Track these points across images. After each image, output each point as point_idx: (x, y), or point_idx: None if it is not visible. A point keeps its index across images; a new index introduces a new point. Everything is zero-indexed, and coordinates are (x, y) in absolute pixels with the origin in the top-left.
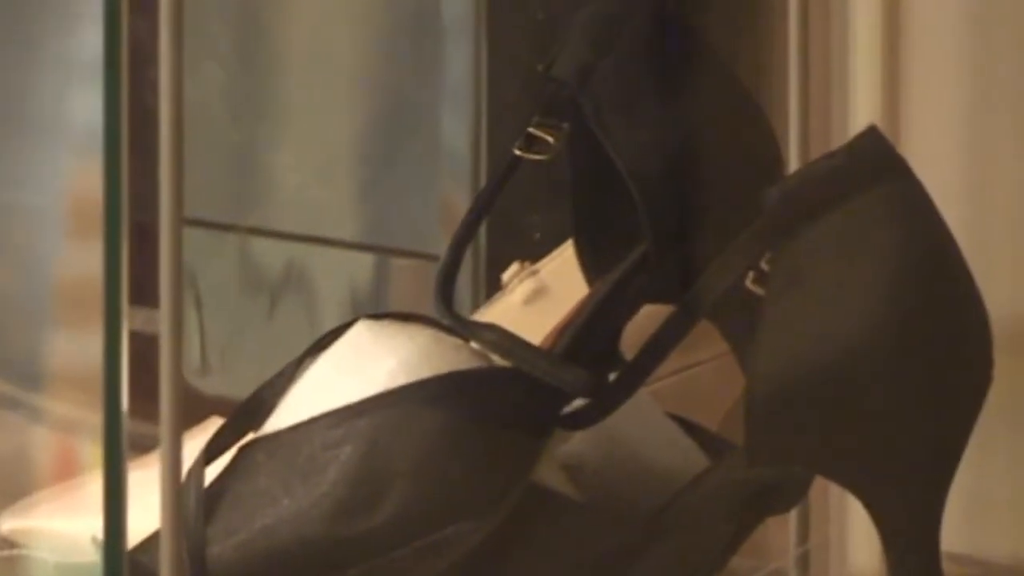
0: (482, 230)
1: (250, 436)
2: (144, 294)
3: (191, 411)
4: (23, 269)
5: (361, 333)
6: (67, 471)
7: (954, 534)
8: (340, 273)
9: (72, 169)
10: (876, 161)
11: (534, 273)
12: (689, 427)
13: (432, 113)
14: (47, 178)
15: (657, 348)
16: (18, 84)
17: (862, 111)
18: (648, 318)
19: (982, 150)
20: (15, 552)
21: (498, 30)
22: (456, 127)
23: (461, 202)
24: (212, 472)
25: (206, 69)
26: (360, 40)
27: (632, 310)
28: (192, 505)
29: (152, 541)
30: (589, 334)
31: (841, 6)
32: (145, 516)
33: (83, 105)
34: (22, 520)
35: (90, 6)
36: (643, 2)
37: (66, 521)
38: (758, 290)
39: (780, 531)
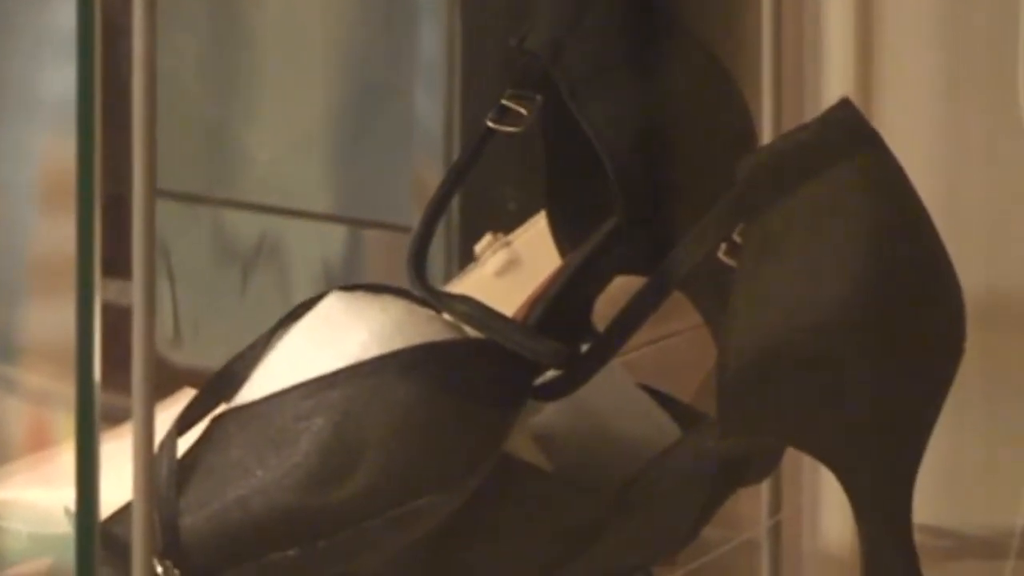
0: (455, 202)
1: (222, 407)
2: (117, 266)
3: (163, 382)
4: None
5: (333, 305)
6: (40, 442)
7: (927, 505)
8: (313, 245)
9: (45, 142)
10: (848, 133)
11: (507, 245)
12: (662, 398)
13: (405, 86)
14: (20, 151)
15: (629, 320)
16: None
17: (835, 83)
18: (620, 290)
19: (954, 122)
20: None
21: (471, 3)
22: (429, 100)
23: (434, 174)
24: (185, 443)
25: (180, 43)
26: (334, 14)
27: (604, 282)
28: (164, 476)
29: (125, 512)
30: (561, 306)
31: None
32: (118, 487)
33: (56, 78)
34: None
35: None
36: None
37: (39, 492)
38: (731, 262)
39: (752, 502)
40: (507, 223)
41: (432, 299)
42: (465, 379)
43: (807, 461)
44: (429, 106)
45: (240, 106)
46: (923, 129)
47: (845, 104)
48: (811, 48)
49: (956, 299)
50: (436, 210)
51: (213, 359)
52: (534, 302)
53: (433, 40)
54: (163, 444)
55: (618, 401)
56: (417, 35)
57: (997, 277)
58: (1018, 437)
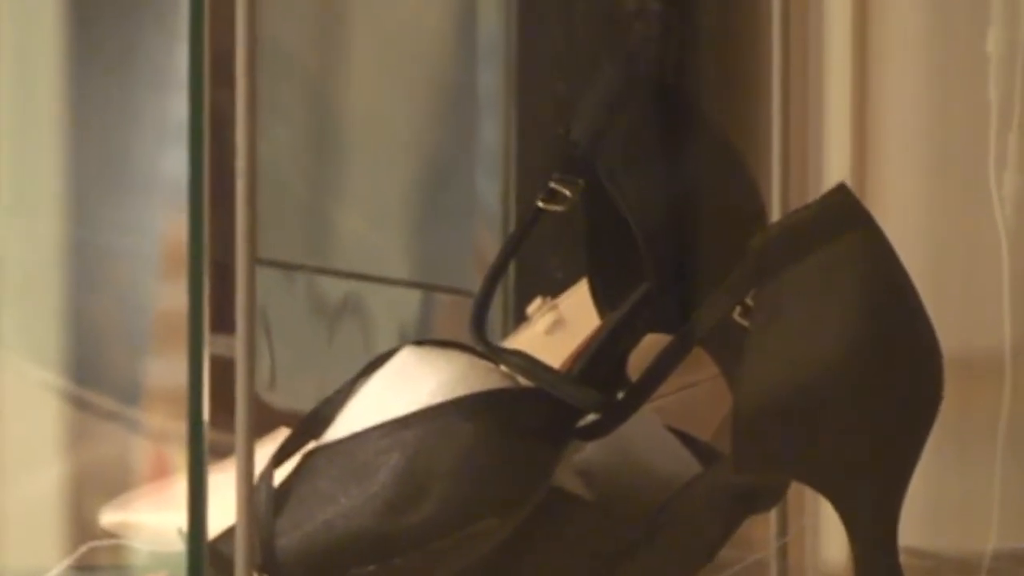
0: (510, 270)
1: (312, 444)
2: (223, 323)
3: (262, 422)
4: (124, 303)
5: (407, 357)
6: (160, 473)
7: (911, 530)
8: (391, 306)
9: (165, 218)
10: (844, 213)
11: (554, 307)
12: (685, 438)
13: (469, 172)
14: (145, 225)
15: (658, 371)
16: (120, 145)
17: (834, 170)
18: (651, 346)
19: (936, 206)
20: (115, 542)
21: (524, 101)
22: (489, 184)
23: (492, 247)
24: (280, 475)
25: (278, 132)
26: (410, 109)
27: (637, 339)
28: (263, 503)
29: (229, 533)
30: (600, 359)
31: (817, 80)
32: (223, 512)
33: (174, 163)
34: (121, 515)
35: (179, 77)
36: (647, 75)
37: (157, 516)
38: (744, 322)
39: (762, 527)
40: (554, 288)
41: (491, 353)
42: (518, 422)
43: (809, 492)
44: (489, 189)
45: (329, 187)
46: (909, 211)
47: (842, 188)
48: (814, 137)
49: (935, 355)
50: (494, 277)
51: (304, 403)
52: (577, 356)
53: (492, 133)
54: (262, 475)
55: (648, 440)
56: (479, 128)
57: (970, 337)
58: (988, 473)
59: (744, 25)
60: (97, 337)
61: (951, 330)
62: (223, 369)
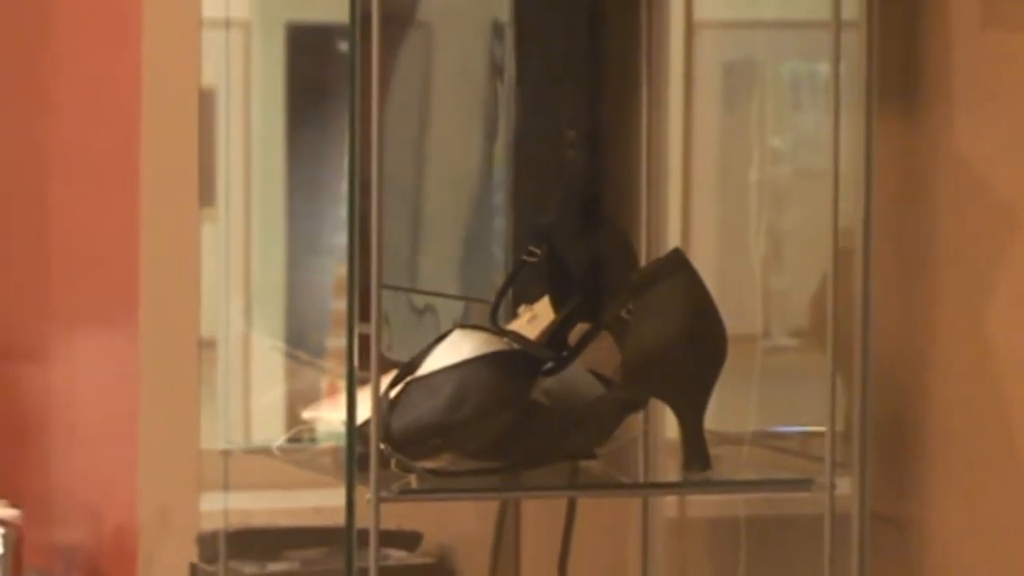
0: (509, 292)
1: (408, 378)
2: (365, 315)
3: (384, 367)
4: (316, 305)
5: (456, 334)
6: (333, 393)
7: (710, 420)
8: (448, 308)
9: (336, 262)
10: (678, 262)
11: (532, 309)
12: (597, 375)
13: (487, 242)
14: (326, 267)
15: (583, 342)
16: (315, 225)
17: (672, 239)
18: (580, 329)
19: (724, 257)
20: (309, 427)
21: (519, 207)
22: (498, 248)
23: (500, 279)
24: (392, 393)
25: (392, 225)
26: (458, 209)
27: (573, 326)
28: (384, 408)
29: (367, 423)
30: (555, 336)
31: (664, 192)
32: (365, 412)
33: (341, 235)
34: (313, 412)
35: (341, 192)
36: (578, 191)
37: (331, 413)
38: (627, 317)
39: (635, 420)
40: (532, 300)
41: (500, 333)
42: (513, 366)
43: (660, 404)
44: (498, 251)
45: (418, 247)
46: (709, 261)
47: (676, 251)
48: (663, 223)
49: (723, 336)
50: (501, 294)
51: (406, 357)
52: (543, 334)
53: (501, 222)
54: (384, 393)
55: (578, 376)
56: (494, 219)
57: (740, 325)
58: (747, 391)
59: (629, 162)
60: (303, 322)
61: (731, 322)
62: (365, 340)
